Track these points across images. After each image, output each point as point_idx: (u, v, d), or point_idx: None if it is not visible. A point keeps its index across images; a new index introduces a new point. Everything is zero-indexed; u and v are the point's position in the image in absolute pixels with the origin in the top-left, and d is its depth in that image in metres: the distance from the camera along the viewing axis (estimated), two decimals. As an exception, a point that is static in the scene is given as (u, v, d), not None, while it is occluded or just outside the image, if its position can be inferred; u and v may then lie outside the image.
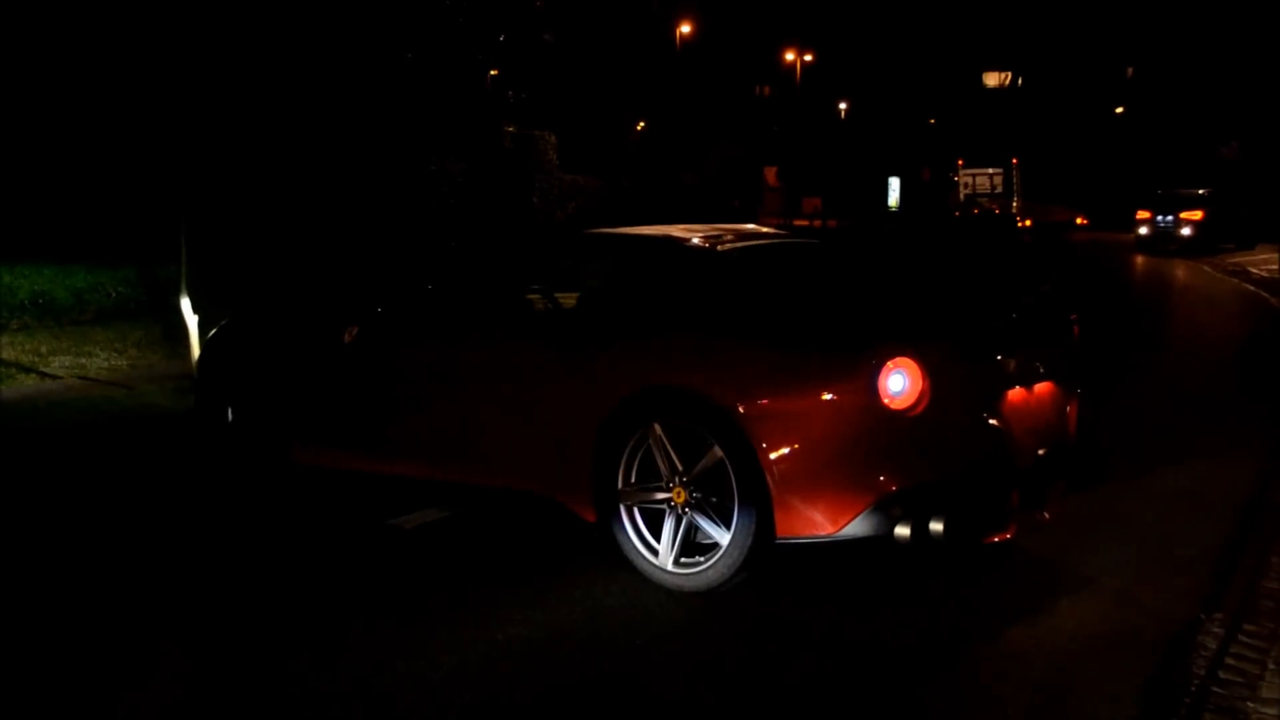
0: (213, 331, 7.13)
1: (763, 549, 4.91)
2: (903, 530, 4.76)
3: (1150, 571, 5.49)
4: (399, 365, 6.16)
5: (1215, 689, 4.25)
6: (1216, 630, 4.76)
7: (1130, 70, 56.20)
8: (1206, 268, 24.93)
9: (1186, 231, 30.50)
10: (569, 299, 6.36)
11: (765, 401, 4.87)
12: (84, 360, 10.93)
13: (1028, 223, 38.05)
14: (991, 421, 5.04)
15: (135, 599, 5.10)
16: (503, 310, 6.25)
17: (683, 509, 5.09)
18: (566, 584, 5.28)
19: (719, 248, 5.89)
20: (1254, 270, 24.07)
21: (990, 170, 42.48)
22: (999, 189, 41.05)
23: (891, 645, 4.66)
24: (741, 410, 4.87)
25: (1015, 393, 5.19)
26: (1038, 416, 5.35)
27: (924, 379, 4.77)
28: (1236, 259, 26.99)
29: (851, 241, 27.21)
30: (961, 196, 41.10)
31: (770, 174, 48.75)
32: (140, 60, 12.19)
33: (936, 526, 4.78)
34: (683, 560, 5.11)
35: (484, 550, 5.80)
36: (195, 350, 9.57)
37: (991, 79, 58.79)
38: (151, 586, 5.27)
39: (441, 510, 6.23)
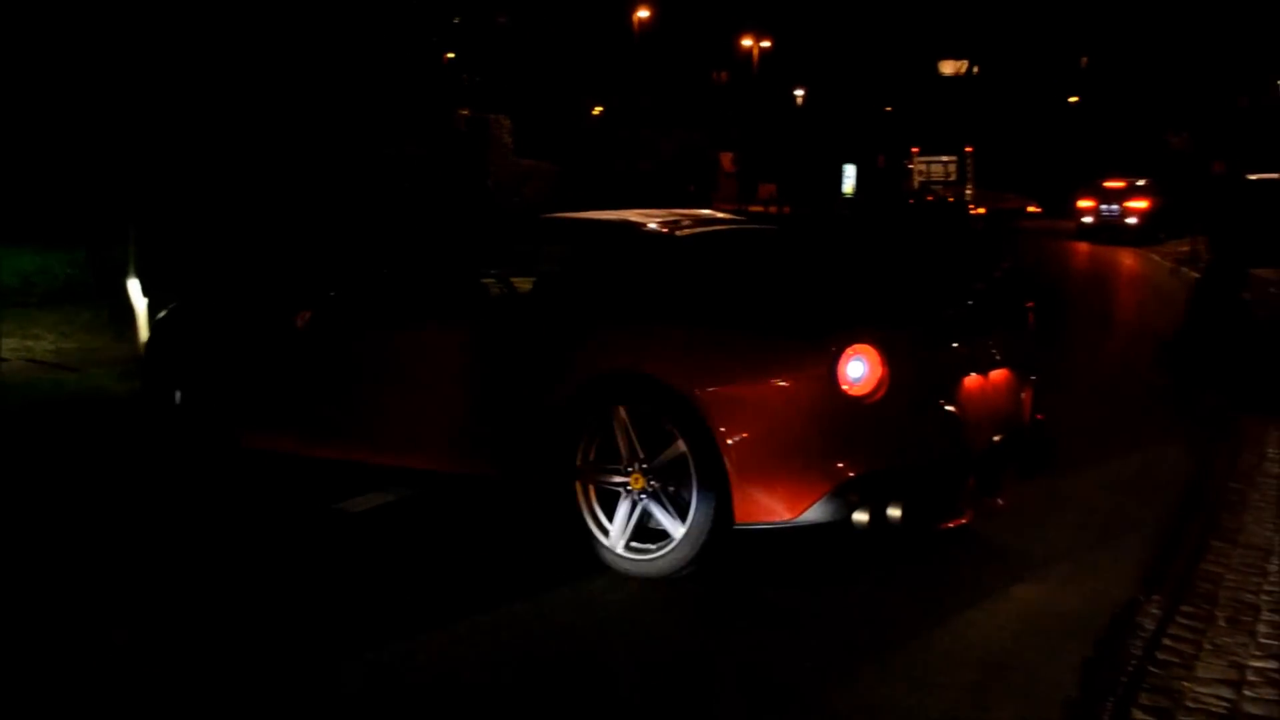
0: (161, 314, 7.09)
1: (718, 541, 4.93)
2: (861, 516, 4.77)
3: (1092, 555, 5.58)
4: (353, 350, 6.13)
5: (1152, 669, 4.32)
6: (1154, 612, 4.83)
7: (1085, 60, 56.67)
8: (1155, 256, 25.21)
9: (1132, 221, 30.93)
10: (524, 284, 6.37)
11: (725, 387, 4.89)
12: (30, 343, 10.81)
13: (981, 210, 38.37)
14: (949, 408, 5.08)
15: (82, 586, 5.07)
16: (459, 295, 6.21)
17: (639, 495, 5.09)
18: (514, 567, 5.32)
19: (677, 233, 5.91)
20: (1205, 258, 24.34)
21: (944, 158, 42.86)
22: (953, 177, 41.43)
23: (836, 624, 4.72)
24: (700, 396, 4.88)
25: (972, 379, 5.23)
26: (994, 403, 5.38)
27: (883, 366, 4.79)
28: (1186, 246, 27.28)
29: (808, 228, 27.25)
30: (916, 184, 41.40)
31: (726, 160, 48.85)
32: (89, 43, 12.08)
33: (894, 512, 4.80)
34: (634, 545, 5.12)
35: (431, 534, 5.81)
36: (144, 333, 9.51)
37: (947, 67, 59.05)
38: (99, 573, 5.24)
39: (387, 495, 6.23)
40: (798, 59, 55.24)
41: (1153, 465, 7.31)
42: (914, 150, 42.61)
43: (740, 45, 54.34)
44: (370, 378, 6.02)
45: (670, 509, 5.03)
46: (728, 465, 4.82)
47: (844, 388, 4.76)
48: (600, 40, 43.89)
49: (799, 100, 57.27)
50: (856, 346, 4.78)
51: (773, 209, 40.60)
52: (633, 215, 6.29)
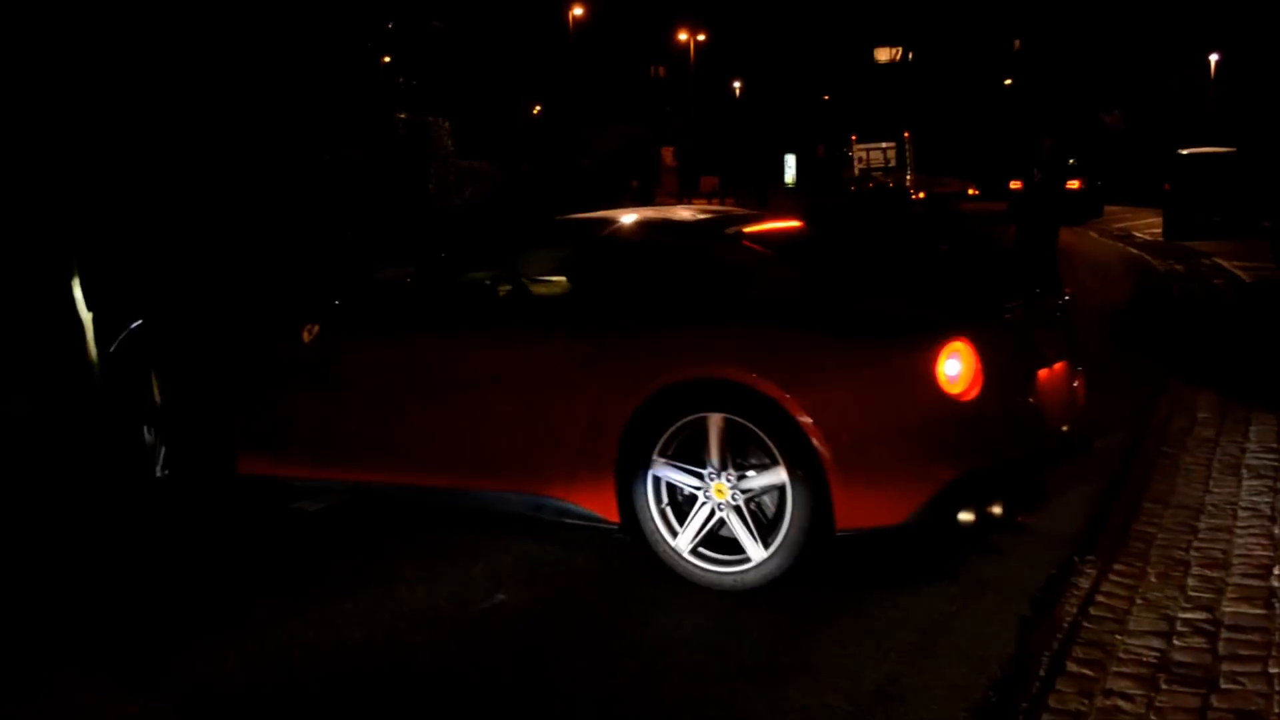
0: (122, 336, 6.73)
1: (817, 549, 4.76)
2: (966, 515, 4.73)
3: (1031, 519, 5.73)
4: (383, 363, 5.82)
5: (1086, 624, 4.50)
6: (1090, 572, 5.02)
7: (1017, 43, 57.20)
8: (1092, 233, 25.62)
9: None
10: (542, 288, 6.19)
11: (822, 392, 4.72)
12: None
13: (921, 195, 38.67)
14: (1031, 401, 5.06)
15: (43, 595, 5.12)
16: (493, 300, 5.98)
17: (719, 505, 4.90)
18: (468, 560, 5.41)
19: (741, 230, 5.75)
20: (1138, 234, 24.80)
21: (883, 144, 43.09)
22: (892, 163, 41.67)
23: (782, 590, 4.86)
24: (796, 401, 4.69)
25: (1044, 371, 5.20)
26: (1059, 393, 5.34)
27: (978, 363, 4.71)
28: (1121, 224, 27.76)
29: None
30: (856, 171, 41.65)
31: (667, 154, 48.95)
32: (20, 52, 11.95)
33: (996, 509, 4.83)
34: (701, 551, 4.96)
35: (385, 530, 5.89)
36: (92, 350, 9.44)
37: (883, 54, 59.46)
38: (58, 582, 5.30)
39: (339, 495, 6.26)
40: (734, 51, 55.50)
41: (1094, 434, 7.51)
42: (853, 138, 42.81)
43: (677, 39, 54.54)
44: (411, 391, 5.67)
45: (751, 525, 4.85)
46: (829, 472, 4.64)
47: (943, 387, 4.67)
48: (537, 40, 43.89)
49: (737, 92, 57.54)
50: (953, 345, 4.69)
51: (715, 201, 40.69)
52: (676, 213, 6.13)
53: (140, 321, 6.70)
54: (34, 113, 10.34)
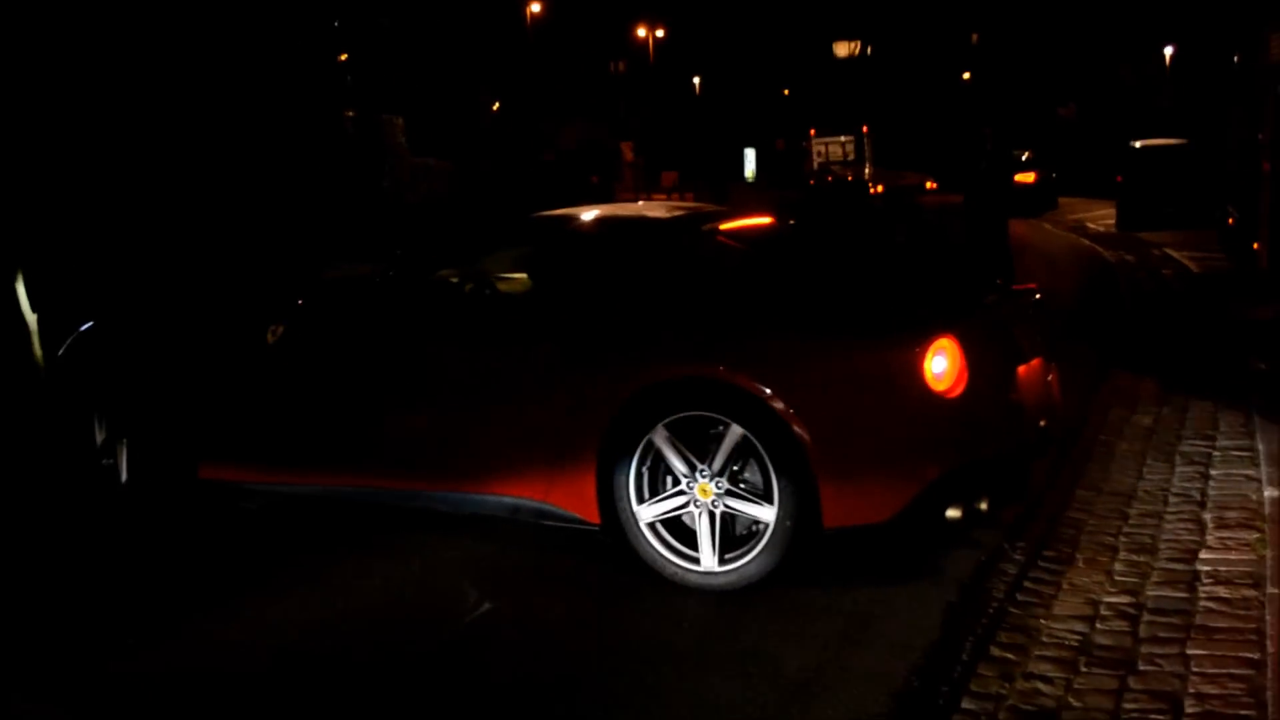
0: (72, 338, 6.57)
1: (804, 545, 4.73)
2: (954, 512, 4.74)
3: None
4: (352, 365, 5.73)
5: (1012, 609, 4.58)
6: (1018, 558, 5.10)
7: (975, 36, 57.55)
8: (1047, 225, 25.80)
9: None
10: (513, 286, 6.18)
11: (810, 391, 4.69)
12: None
13: (879, 188, 38.85)
14: (1012, 396, 5.06)
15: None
16: (465, 299, 5.93)
17: (711, 504, 4.83)
18: (404, 555, 5.46)
19: (713, 227, 5.75)
20: (1091, 225, 25.00)
21: (842, 138, 43.32)
22: (851, 156, 41.87)
23: (707, 601, 4.91)
24: (781, 400, 4.67)
25: (1024, 367, 5.20)
26: (1037, 389, 5.34)
27: (963, 359, 4.73)
28: (1076, 215, 27.97)
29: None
30: (815, 165, 41.79)
31: (627, 149, 48.98)
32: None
33: (982, 505, 4.83)
34: (727, 556, 4.85)
35: (327, 528, 5.91)
36: (38, 351, 9.37)
37: (841, 49, 59.64)
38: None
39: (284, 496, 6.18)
40: (693, 46, 55.57)
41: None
42: (811, 132, 43.00)
43: (635, 35, 54.58)
44: (374, 397, 5.62)
45: (715, 536, 4.82)
46: (816, 470, 4.63)
47: (930, 384, 4.67)
48: (494, 36, 43.81)
49: (697, 87, 57.63)
50: (939, 342, 4.69)
51: (675, 196, 40.74)
52: (649, 211, 6.12)
53: (90, 323, 6.57)
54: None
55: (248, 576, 5.30)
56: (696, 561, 4.84)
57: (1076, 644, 4.24)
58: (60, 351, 6.62)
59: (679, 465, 4.86)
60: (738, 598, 4.79)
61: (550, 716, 3.93)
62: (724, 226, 5.81)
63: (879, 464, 4.70)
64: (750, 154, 50.01)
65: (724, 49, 55.69)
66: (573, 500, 5.10)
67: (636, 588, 4.94)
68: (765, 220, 6.26)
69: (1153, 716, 3.68)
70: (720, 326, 5.01)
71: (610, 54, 56.66)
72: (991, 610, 4.56)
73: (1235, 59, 17.26)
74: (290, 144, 14.67)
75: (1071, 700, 3.81)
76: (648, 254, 5.65)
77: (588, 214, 6.07)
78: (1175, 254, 17.84)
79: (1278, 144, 10.85)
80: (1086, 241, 21.63)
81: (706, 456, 4.83)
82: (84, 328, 6.56)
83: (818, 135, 43.28)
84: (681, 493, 4.87)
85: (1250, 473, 6.19)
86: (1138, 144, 24.49)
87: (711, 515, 4.82)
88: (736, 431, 4.73)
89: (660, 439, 4.86)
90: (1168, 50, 45.94)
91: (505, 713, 3.96)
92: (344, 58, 24.70)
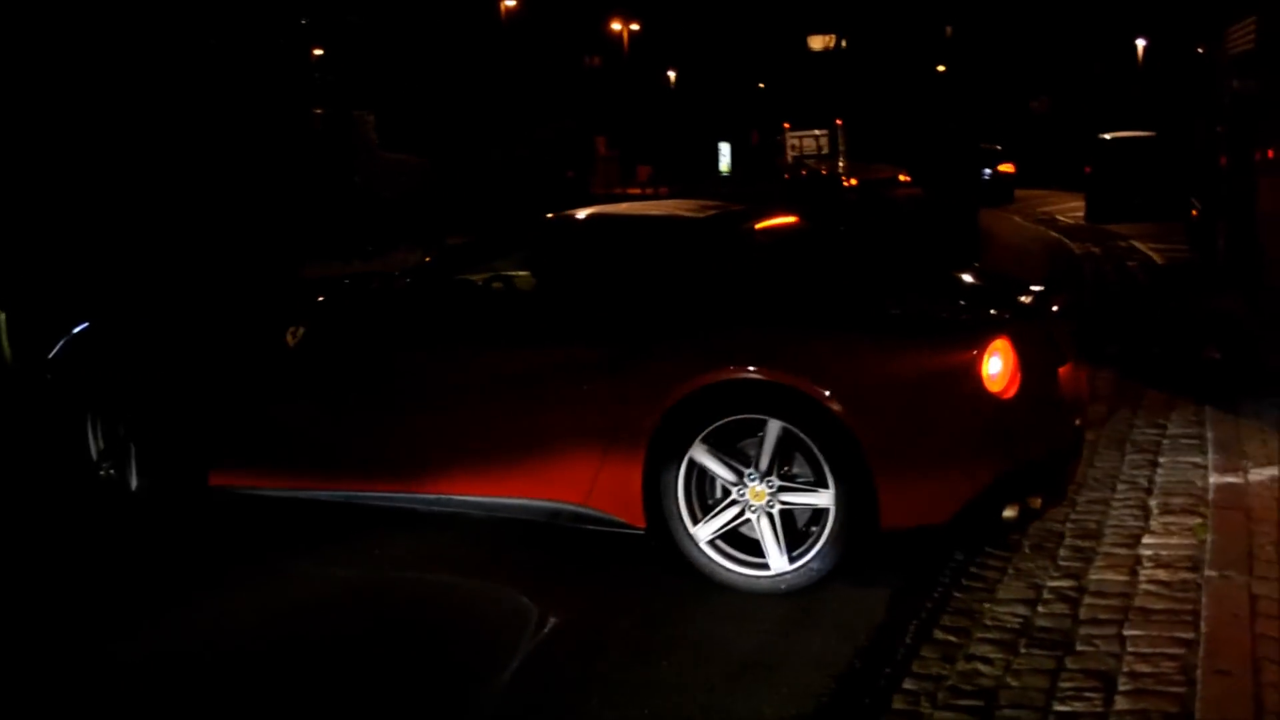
0: (66, 339, 6.39)
1: (862, 547, 4.72)
2: (1010, 512, 4.75)
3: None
4: (375, 368, 5.61)
5: (957, 594, 4.70)
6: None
7: (949, 30, 57.81)
8: (1016, 216, 25.99)
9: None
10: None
11: (869, 393, 4.68)
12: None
13: (853, 181, 38.99)
14: (1056, 396, 5.10)
15: None
16: (498, 301, 5.86)
17: (751, 508, 4.80)
18: (358, 544, 5.54)
19: (749, 226, 5.77)
20: (1060, 218, 25.21)
21: (816, 132, 43.38)
22: (825, 150, 41.97)
23: (668, 573, 5.02)
24: (843, 403, 4.64)
25: (1064, 368, 5.22)
26: (1074, 388, 5.37)
27: (1016, 360, 4.73)
28: (1046, 207, 28.19)
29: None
30: (789, 158, 41.90)
31: (601, 143, 49.01)
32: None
33: (1035, 504, 4.87)
34: (794, 553, 4.79)
35: (285, 519, 5.94)
36: (6, 349, 9.40)
37: (816, 42, 59.81)
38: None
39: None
40: (668, 40, 55.66)
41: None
42: (785, 125, 43.10)
43: (610, 29, 54.64)
44: (412, 397, 5.48)
45: (780, 533, 4.77)
46: (875, 472, 4.62)
47: (986, 385, 4.66)
48: (467, 31, 43.79)
49: (672, 81, 57.72)
50: (995, 343, 4.69)
51: (649, 190, 40.82)
52: (680, 210, 6.05)
53: (85, 325, 6.41)
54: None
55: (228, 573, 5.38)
56: (765, 567, 4.78)
57: (1018, 626, 4.36)
58: (52, 354, 6.40)
59: (726, 474, 4.82)
60: (675, 586, 4.89)
61: (491, 694, 4.03)
62: (758, 226, 5.81)
63: (937, 465, 4.69)
64: (725, 148, 50.13)
65: (699, 42, 55.80)
66: (616, 504, 5.03)
67: (578, 576, 5.09)
68: (792, 219, 6.19)
69: (1086, 694, 3.80)
70: (774, 327, 4.98)
71: (585, 48, 56.68)
72: (936, 594, 4.69)
73: (1200, 51, 17.41)
74: (256, 142, 14.68)
75: (1010, 680, 3.93)
76: (688, 254, 5.58)
77: (614, 212, 6.02)
78: (1141, 245, 18.04)
79: (1234, 137, 10.99)
80: (1054, 234, 21.82)
81: (750, 461, 4.81)
82: (78, 329, 6.38)
83: (792, 129, 43.35)
84: (734, 502, 4.82)
85: (1198, 460, 6.33)
86: (1106, 136, 24.70)
87: (770, 516, 4.77)
88: (775, 425, 4.70)
89: (700, 453, 4.81)
90: (1140, 43, 46.27)
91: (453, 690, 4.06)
92: (318, 53, 24.69)
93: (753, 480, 4.78)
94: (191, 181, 13.43)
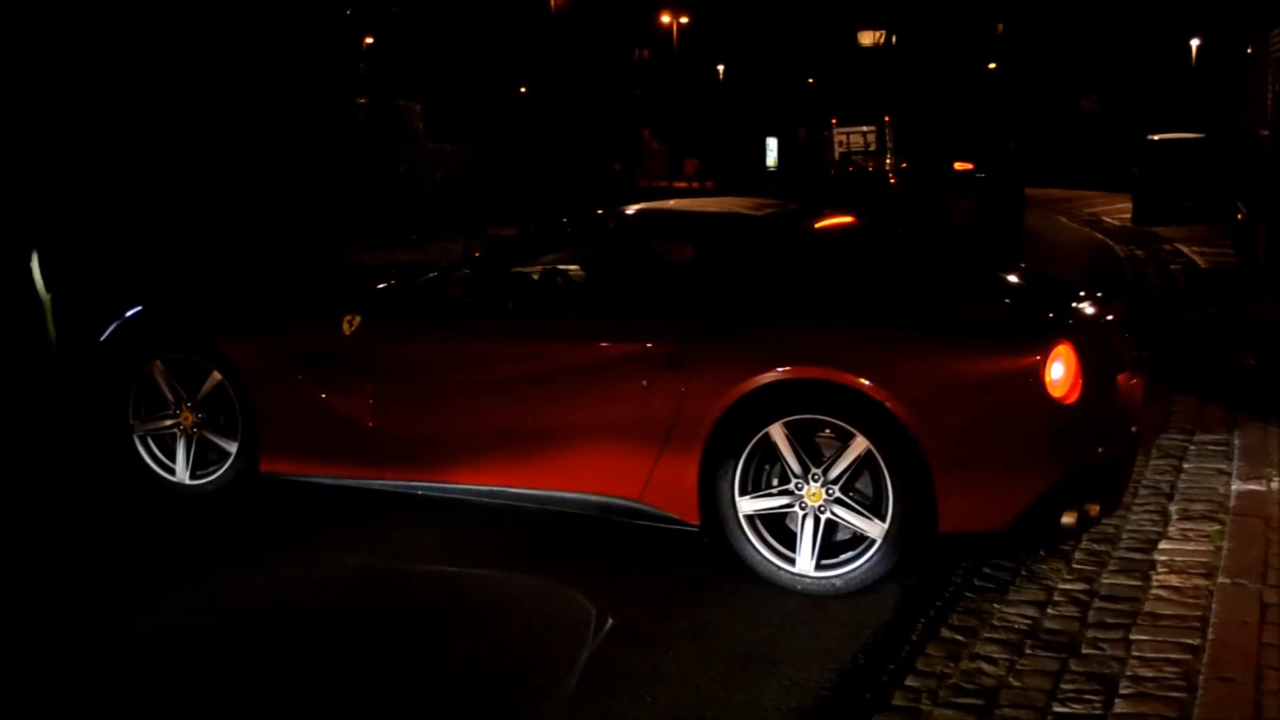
0: (117, 323, 6.36)
1: (919, 548, 4.74)
2: (1068, 518, 4.72)
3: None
4: (432, 357, 5.62)
5: (968, 594, 4.73)
6: (982, 544, 5.24)
7: (1000, 27, 57.35)
8: (1062, 218, 25.81)
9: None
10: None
11: (932, 395, 4.68)
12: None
13: (895, 180, 38.84)
14: (1115, 402, 5.07)
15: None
16: (557, 294, 5.89)
17: (820, 509, 4.80)
18: (349, 534, 5.60)
19: (814, 225, 5.76)
20: (1107, 219, 25.00)
21: (864, 128, 43.36)
22: (872, 146, 41.91)
23: (682, 566, 5.09)
24: (904, 404, 4.64)
25: (1123, 375, 5.17)
26: (1131, 395, 5.30)
27: (1079, 365, 4.71)
28: (1093, 208, 27.96)
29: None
30: (836, 155, 41.84)
31: (650, 136, 49.07)
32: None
33: (1093, 510, 4.83)
34: (824, 562, 4.82)
35: (285, 505, 5.99)
36: (51, 331, 9.54)
37: (866, 38, 59.54)
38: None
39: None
40: (718, 34, 55.59)
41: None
42: (833, 121, 43.08)
43: (660, 21, 54.64)
44: (469, 388, 5.49)
45: (861, 510, 4.77)
46: (935, 475, 4.62)
47: (1049, 390, 4.64)
48: (518, 20, 43.92)
49: (720, 75, 57.67)
50: (1059, 349, 4.67)
51: (695, 184, 40.89)
52: (739, 208, 6.03)
53: (139, 308, 6.40)
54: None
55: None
56: (792, 562, 4.81)
57: (1025, 628, 4.39)
58: (102, 337, 6.38)
59: (794, 464, 4.81)
60: (691, 581, 4.96)
61: (490, 684, 4.11)
62: (818, 225, 5.81)
63: (998, 469, 4.68)
64: (772, 143, 50.08)
65: (748, 37, 55.69)
66: (671, 500, 5.05)
67: (582, 565, 5.16)
68: (849, 219, 6.13)
69: (1087, 696, 3.83)
70: (840, 327, 4.96)
71: (634, 40, 56.72)
72: (947, 594, 4.72)
73: (1248, 52, 17.25)
74: (300, 131, 14.86)
75: (1012, 680, 3.96)
76: (748, 251, 5.56)
77: (670, 209, 6.00)
78: (1185, 249, 17.89)
79: (1276, 140, 10.91)
80: (1099, 235, 21.65)
81: (820, 460, 4.82)
82: (130, 313, 6.39)
83: (839, 125, 43.31)
84: (787, 492, 4.83)
85: (1222, 466, 6.32)
86: (1154, 137, 24.47)
87: (816, 520, 4.79)
88: (861, 444, 4.70)
89: (778, 435, 4.81)
90: (1194, 43, 45.74)
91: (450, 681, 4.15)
92: (369, 42, 24.90)
93: (815, 480, 4.79)
94: (235, 169, 13.61)
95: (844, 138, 42.82)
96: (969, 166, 30.39)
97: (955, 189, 19.03)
